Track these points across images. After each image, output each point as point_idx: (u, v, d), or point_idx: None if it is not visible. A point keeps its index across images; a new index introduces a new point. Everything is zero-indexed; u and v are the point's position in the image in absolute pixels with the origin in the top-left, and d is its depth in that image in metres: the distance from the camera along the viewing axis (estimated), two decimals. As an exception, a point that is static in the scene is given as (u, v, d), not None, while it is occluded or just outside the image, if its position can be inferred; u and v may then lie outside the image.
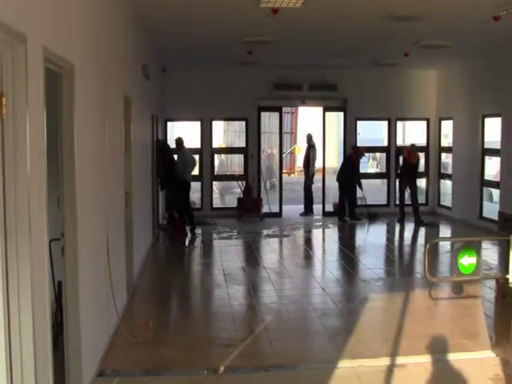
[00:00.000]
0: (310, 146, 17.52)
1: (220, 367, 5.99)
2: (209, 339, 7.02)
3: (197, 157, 15.74)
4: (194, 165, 14.67)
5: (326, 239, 14.48)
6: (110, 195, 6.77)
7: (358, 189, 16.07)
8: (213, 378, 5.87)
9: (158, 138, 13.80)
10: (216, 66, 15.27)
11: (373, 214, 15.87)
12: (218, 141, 20.12)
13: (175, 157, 14.19)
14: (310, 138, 17.69)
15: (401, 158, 15.71)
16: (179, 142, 14.24)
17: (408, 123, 18.85)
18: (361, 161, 16.65)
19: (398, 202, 16.03)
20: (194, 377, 5.86)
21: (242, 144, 16.98)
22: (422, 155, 16.52)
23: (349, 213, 15.84)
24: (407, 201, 15.74)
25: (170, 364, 6.15)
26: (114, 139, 7.16)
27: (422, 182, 17.03)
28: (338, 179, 16.02)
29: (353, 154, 16.00)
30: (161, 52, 13.04)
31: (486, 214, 14.31)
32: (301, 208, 17.05)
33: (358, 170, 16.25)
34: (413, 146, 15.91)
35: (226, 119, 19.22)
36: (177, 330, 7.67)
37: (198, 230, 14.21)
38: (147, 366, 6.11)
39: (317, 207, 16.83)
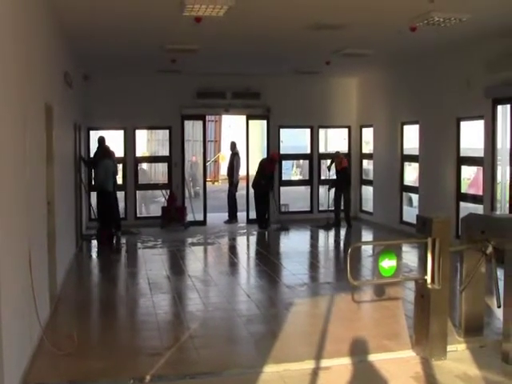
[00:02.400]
0: (234, 154, 17.62)
1: (146, 376, 5.94)
2: (134, 349, 6.96)
3: (120, 166, 15.61)
4: (116, 173, 14.35)
5: (251, 246, 14.57)
6: (31, 205, 6.63)
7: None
8: (139, 388, 5.83)
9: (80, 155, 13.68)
10: (139, 75, 15.18)
11: (285, 227, 15.82)
12: (141, 150, 19.99)
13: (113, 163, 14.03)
14: (233, 145, 17.79)
15: (332, 166, 16.01)
16: (101, 141, 14.12)
17: (330, 131, 19.18)
18: (276, 166, 16.54)
19: (332, 208, 16.25)
20: (120, 387, 5.81)
21: (166, 153, 16.92)
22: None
23: (257, 221, 15.90)
24: (331, 207, 16.07)
25: (95, 375, 6.06)
26: (36, 148, 7.03)
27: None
28: (253, 186, 16.13)
29: (266, 159, 16.14)
30: (84, 60, 12.87)
31: (406, 218, 14.70)
32: (225, 216, 17.09)
33: (272, 176, 16.09)
34: (337, 153, 16.27)
35: (149, 128, 19.10)
36: (102, 340, 7.56)
37: (123, 240, 14.08)
38: (72, 377, 6.00)
39: (241, 215, 16.92)
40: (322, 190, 17.71)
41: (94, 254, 13.11)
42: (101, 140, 14.34)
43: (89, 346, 7.09)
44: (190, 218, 16.42)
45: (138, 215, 16.58)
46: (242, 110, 16.89)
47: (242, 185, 17.80)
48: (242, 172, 17.79)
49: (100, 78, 15.12)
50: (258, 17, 9.10)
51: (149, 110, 15.72)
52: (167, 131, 16.70)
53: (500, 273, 6.39)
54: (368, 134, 17.14)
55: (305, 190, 18.21)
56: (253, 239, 14.90)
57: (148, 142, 25.67)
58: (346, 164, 15.98)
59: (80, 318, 8.26)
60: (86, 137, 15.55)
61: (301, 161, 23.10)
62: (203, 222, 16.51)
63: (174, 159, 16.36)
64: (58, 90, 9.71)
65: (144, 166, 17.97)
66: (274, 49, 11.98)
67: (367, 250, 12.18)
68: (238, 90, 16.20)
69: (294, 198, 18.15)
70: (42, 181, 7.71)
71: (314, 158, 17.34)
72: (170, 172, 16.51)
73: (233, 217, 17.01)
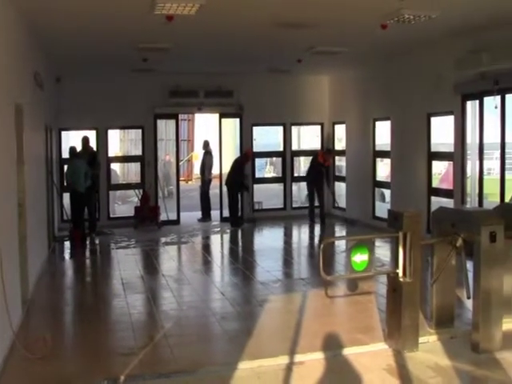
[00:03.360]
0: (206, 152, 17.65)
1: (120, 377, 5.93)
2: (108, 349, 6.95)
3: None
4: (88, 173, 13.95)
5: (224, 244, 14.58)
6: (1, 208, 6.58)
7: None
8: (113, 388, 5.82)
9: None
10: (111, 74, 15.09)
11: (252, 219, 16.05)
12: (114, 149, 19.89)
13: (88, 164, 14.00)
14: (206, 144, 17.82)
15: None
16: (85, 141, 14.10)
17: (303, 128, 19.25)
18: (249, 164, 16.68)
19: (308, 205, 16.40)
20: (94, 388, 5.80)
21: (139, 152, 16.86)
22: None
23: (230, 219, 15.95)
24: (305, 203, 16.20)
25: (69, 377, 6.03)
26: (5, 149, 6.98)
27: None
28: (226, 183, 16.15)
29: (240, 157, 16.18)
30: (55, 60, 12.79)
31: (378, 213, 14.81)
32: (199, 214, 17.11)
33: (243, 174, 16.11)
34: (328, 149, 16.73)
35: (122, 128, 19.02)
36: (75, 342, 7.54)
37: (96, 241, 14.03)
38: (45, 381, 5.98)
39: (215, 213, 16.92)
40: (295, 187, 17.80)
41: (67, 256, 13.01)
42: (84, 140, 14.26)
43: (62, 348, 7.05)
44: (163, 217, 16.38)
45: (111, 215, 16.50)
46: (214, 108, 16.88)
47: (215, 183, 17.81)
48: (216, 170, 17.78)
49: (71, 77, 14.97)
50: (230, 15, 9.11)
51: (121, 110, 15.63)
52: (140, 131, 16.62)
53: (469, 265, 6.50)
54: (340, 131, 17.23)
55: (278, 188, 18.25)
56: (226, 237, 14.92)
57: (121, 141, 25.57)
58: (324, 160, 16.20)
59: (53, 320, 8.23)
60: (58, 138, 15.43)
61: (274, 158, 23.16)
62: (177, 221, 16.49)
63: (147, 159, 16.30)
64: (29, 91, 9.64)
65: (114, 166, 17.80)
66: (245, 47, 11.99)
67: (340, 245, 12.26)
68: (210, 89, 16.17)
69: (267, 196, 18.17)
70: (13, 182, 7.65)
71: (286, 155, 17.39)
72: (143, 171, 16.46)
73: (206, 215, 17.01)
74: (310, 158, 16.72)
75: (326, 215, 16.17)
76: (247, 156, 16.15)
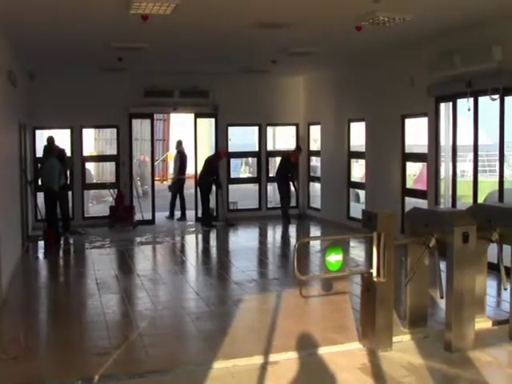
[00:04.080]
0: (179, 152, 17.66)
1: (95, 376, 5.91)
2: (83, 349, 6.92)
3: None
4: (62, 172, 13.93)
5: (199, 244, 14.57)
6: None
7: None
8: (87, 388, 5.79)
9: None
10: (86, 73, 14.99)
11: (231, 223, 15.98)
12: (89, 149, 19.77)
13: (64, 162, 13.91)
14: (178, 144, 17.85)
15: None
16: (50, 141, 13.98)
17: (278, 128, 19.29)
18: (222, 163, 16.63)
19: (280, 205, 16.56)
20: (67, 388, 5.77)
21: (114, 152, 16.77)
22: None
23: (202, 219, 15.96)
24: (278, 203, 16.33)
25: (43, 377, 6.00)
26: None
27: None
28: (199, 184, 16.17)
29: (213, 156, 16.17)
30: (29, 59, 12.66)
31: (353, 214, 14.88)
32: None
33: (216, 172, 16.06)
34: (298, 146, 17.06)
35: (96, 127, 18.91)
36: (49, 342, 7.51)
37: (70, 240, 13.94)
38: (19, 381, 5.93)
39: (190, 213, 16.88)
40: (270, 187, 17.85)
41: (41, 255, 12.91)
42: (49, 140, 14.14)
43: (36, 348, 7.00)
44: (138, 217, 16.32)
45: (86, 215, 16.40)
46: (189, 108, 16.85)
47: (190, 183, 17.78)
48: (191, 170, 17.76)
49: (46, 76, 14.86)
50: (205, 15, 9.10)
51: (96, 109, 15.52)
52: (115, 130, 16.55)
53: (442, 265, 6.57)
54: (316, 132, 17.30)
55: (253, 188, 18.28)
56: (201, 237, 14.90)
57: (95, 140, 25.41)
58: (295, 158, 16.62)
59: (27, 320, 8.13)
60: (32, 136, 15.31)
61: (249, 159, 23.20)
62: (152, 221, 16.45)
63: (122, 158, 16.23)
64: (2, 89, 9.55)
65: (88, 165, 17.68)
66: (221, 47, 11.99)
67: (315, 245, 12.32)
68: (185, 89, 16.14)
69: (242, 196, 18.19)
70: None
71: (262, 155, 17.43)
72: (118, 171, 16.38)
73: (171, 214, 17.19)
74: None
75: (302, 215, 16.36)
76: (220, 155, 16.14)
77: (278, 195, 16.84)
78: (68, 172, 14.67)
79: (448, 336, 6.40)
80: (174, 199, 17.38)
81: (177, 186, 17.41)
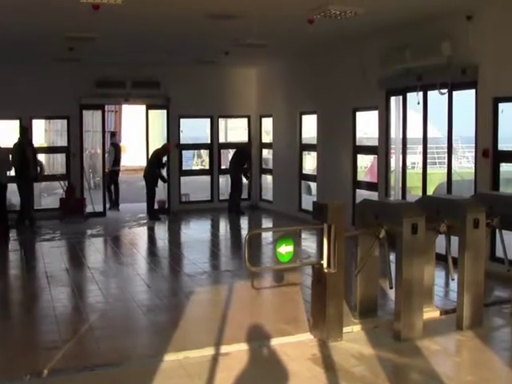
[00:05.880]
0: (112, 144, 17.65)
1: (44, 371, 5.83)
2: (32, 344, 6.81)
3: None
4: (10, 165, 13.68)
5: (151, 237, 14.46)
6: None
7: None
8: (36, 383, 5.70)
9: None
10: (36, 62, 14.71)
11: (175, 213, 16.00)
12: (39, 140, 19.41)
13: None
14: (112, 135, 17.98)
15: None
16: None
17: (230, 120, 19.27)
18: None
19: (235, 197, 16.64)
20: (16, 383, 5.66)
21: (64, 143, 16.52)
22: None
23: (147, 211, 15.91)
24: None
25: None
26: None
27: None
28: (144, 176, 16.11)
29: (161, 148, 16.12)
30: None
31: (305, 206, 14.99)
32: (125, 206, 17.06)
33: (161, 165, 16.08)
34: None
35: (47, 118, 18.57)
36: (-3, 337, 7.38)
37: (20, 234, 13.72)
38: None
39: (142, 205, 16.75)
40: (223, 179, 17.85)
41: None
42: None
43: (-16, 342, 6.89)
44: (89, 209, 16.14)
45: (36, 207, 16.12)
46: (141, 99, 16.73)
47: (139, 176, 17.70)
48: (143, 163, 17.68)
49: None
50: (157, 5, 9.03)
51: (46, 99, 15.24)
52: (65, 121, 16.29)
53: (392, 256, 6.67)
54: (268, 124, 17.34)
55: (205, 180, 18.23)
56: (153, 230, 14.82)
57: (46, 132, 24.97)
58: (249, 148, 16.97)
59: (-26, 315, 8.01)
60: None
61: (201, 151, 23.12)
62: (103, 214, 16.29)
63: (73, 150, 16.00)
64: None
65: (39, 157, 17.39)
66: (173, 38, 11.92)
67: (267, 237, 12.36)
68: (137, 80, 16.00)
69: (194, 188, 18.13)
70: None
71: (214, 147, 17.43)
72: (69, 163, 16.15)
73: (112, 205, 17.14)
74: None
75: (254, 207, 16.49)
76: (166, 148, 16.10)
77: (230, 187, 16.85)
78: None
79: (397, 325, 6.51)
80: (109, 191, 17.31)
81: (112, 178, 17.32)
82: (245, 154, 16.60)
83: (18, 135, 14.52)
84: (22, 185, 13.93)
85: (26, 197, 14.14)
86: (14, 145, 14.17)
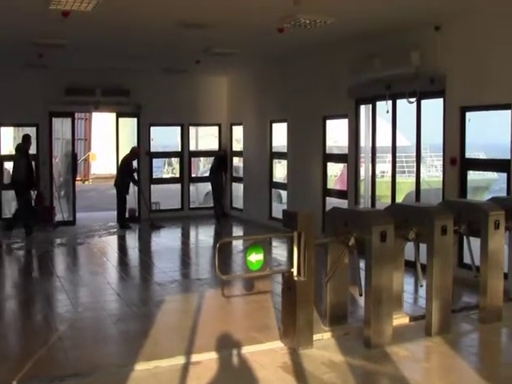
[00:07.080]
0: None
1: (12, 382, 5.76)
2: (0, 355, 6.73)
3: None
4: None
5: (121, 246, 14.37)
6: None
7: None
8: (4, 393, 5.65)
9: None
10: (4, 68, 14.55)
11: (157, 225, 15.80)
12: (7, 148, 19.19)
13: None
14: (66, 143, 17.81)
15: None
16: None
17: (201, 129, 19.27)
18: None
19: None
20: (-16, 394, 5.61)
21: (33, 151, 16.34)
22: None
23: (118, 220, 15.83)
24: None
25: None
26: None
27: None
28: (115, 184, 16.03)
29: (128, 154, 16.04)
30: None
31: (275, 214, 15.01)
32: (95, 215, 16.88)
33: (132, 171, 15.94)
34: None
35: (15, 125, 18.36)
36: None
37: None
38: None
39: (112, 214, 16.65)
40: (193, 187, 17.83)
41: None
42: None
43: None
44: (58, 218, 15.98)
45: (3, 216, 15.93)
46: (111, 107, 16.64)
47: (109, 184, 17.57)
48: (109, 171, 17.58)
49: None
50: (127, 13, 9.02)
51: (14, 107, 15.04)
52: (34, 129, 16.12)
53: (362, 263, 6.71)
54: (238, 132, 17.38)
55: (176, 188, 18.19)
56: (123, 238, 14.73)
57: (14, 139, 24.69)
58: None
59: None
60: None
61: (172, 159, 23.08)
62: (73, 222, 16.15)
63: (42, 158, 15.85)
64: None
65: (7, 165, 17.21)
66: (143, 46, 11.90)
67: (237, 245, 12.36)
68: (107, 87, 15.90)
69: (164, 196, 18.07)
70: None
71: (184, 155, 17.40)
72: (38, 171, 15.98)
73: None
74: (209, 158, 16.98)
75: (224, 215, 16.56)
76: (134, 153, 16.01)
77: (212, 194, 16.83)
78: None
79: (367, 332, 6.54)
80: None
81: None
82: (224, 162, 16.73)
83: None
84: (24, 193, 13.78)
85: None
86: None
